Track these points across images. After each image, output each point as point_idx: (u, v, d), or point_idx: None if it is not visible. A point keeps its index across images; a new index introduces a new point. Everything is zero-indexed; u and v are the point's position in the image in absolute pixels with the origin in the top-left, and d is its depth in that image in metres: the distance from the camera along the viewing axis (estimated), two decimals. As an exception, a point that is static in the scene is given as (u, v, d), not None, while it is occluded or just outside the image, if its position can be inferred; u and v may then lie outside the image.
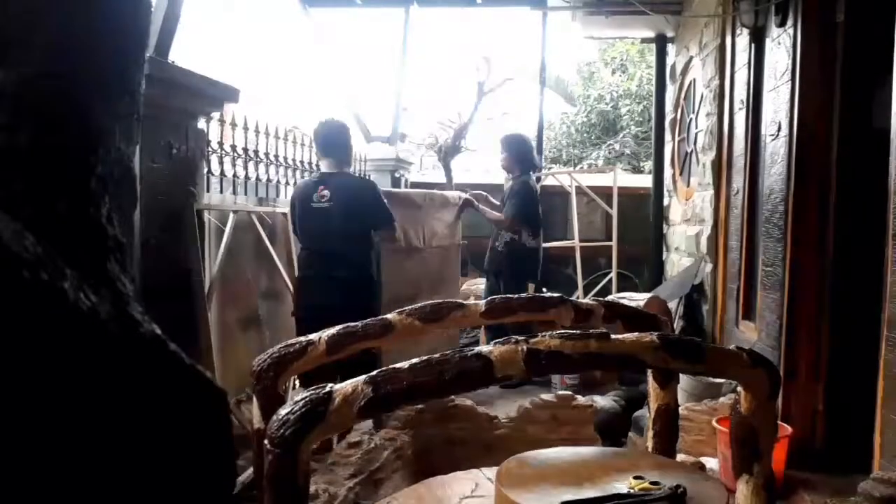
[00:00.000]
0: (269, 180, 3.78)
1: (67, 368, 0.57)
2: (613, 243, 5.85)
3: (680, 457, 2.48)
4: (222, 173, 3.30)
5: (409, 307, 1.96)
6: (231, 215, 3.07)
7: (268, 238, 3.71)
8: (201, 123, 2.88)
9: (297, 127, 4.71)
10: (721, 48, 4.03)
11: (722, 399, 3.10)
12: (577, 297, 3.94)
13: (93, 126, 0.74)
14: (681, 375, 2.53)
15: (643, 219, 6.14)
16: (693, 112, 4.97)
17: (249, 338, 3.49)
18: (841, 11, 2.74)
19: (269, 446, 1.16)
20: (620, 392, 3.92)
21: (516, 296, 2.02)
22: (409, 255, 4.14)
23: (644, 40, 6.46)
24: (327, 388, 1.22)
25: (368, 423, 2.89)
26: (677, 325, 4.41)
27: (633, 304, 3.77)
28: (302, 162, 4.22)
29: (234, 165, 3.42)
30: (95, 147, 0.73)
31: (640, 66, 12.16)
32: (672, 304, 4.45)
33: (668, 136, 5.76)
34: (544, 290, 4.87)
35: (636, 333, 1.41)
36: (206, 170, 3.02)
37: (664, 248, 5.77)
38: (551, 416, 3.06)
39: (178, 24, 2.62)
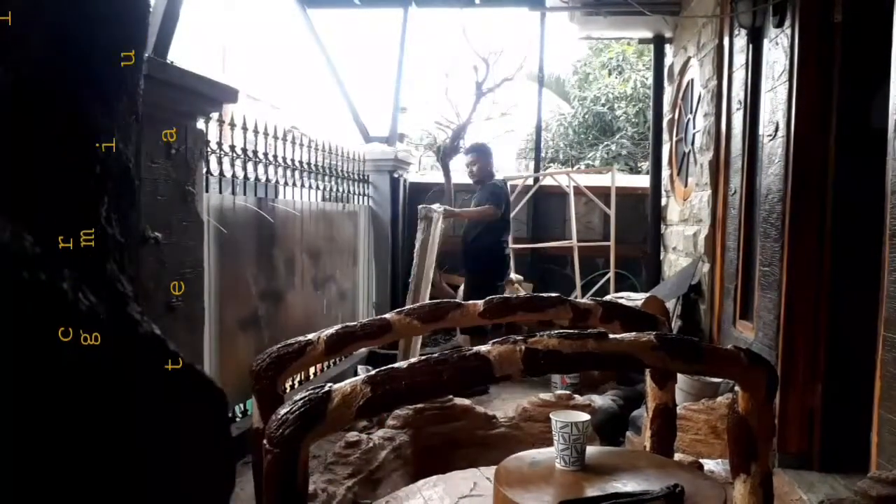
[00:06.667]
0: (268, 180, 3.78)
1: (66, 368, 0.57)
2: (611, 243, 5.86)
3: (677, 456, 2.49)
4: (221, 173, 3.30)
5: (408, 307, 1.97)
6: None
7: (270, 237, 3.71)
8: (200, 124, 2.88)
9: (295, 127, 4.72)
10: (719, 48, 4.04)
11: (719, 399, 3.11)
12: (576, 297, 3.94)
13: (91, 126, 0.74)
14: (678, 375, 2.54)
15: (641, 219, 6.15)
16: (691, 112, 4.97)
17: (249, 338, 3.49)
18: (839, 12, 2.75)
19: (268, 446, 1.17)
20: (618, 391, 3.92)
21: (514, 295, 2.02)
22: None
23: (642, 41, 6.45)
24: (326, 388, 1.22)
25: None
26: (675, 324, 4.42)
27: (630, 303, 3.77)
28: (301, 162, 4.22)
29: (232, 166, 3.42)
30: (94, 147, 0.73)
31: (635, 67, 12.17)
32: (670, 304, 4.46)
33: (665, 137, 5.76)
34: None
35: (634, 333, 1.41)
36: (205, 170, 3.02)
37: (662, 248, 5.78)
38: (549, 415, 3.07)
39: (176, 24, 2.62)
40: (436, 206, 4.73)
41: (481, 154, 5.00)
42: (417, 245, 4.57)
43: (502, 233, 4.89)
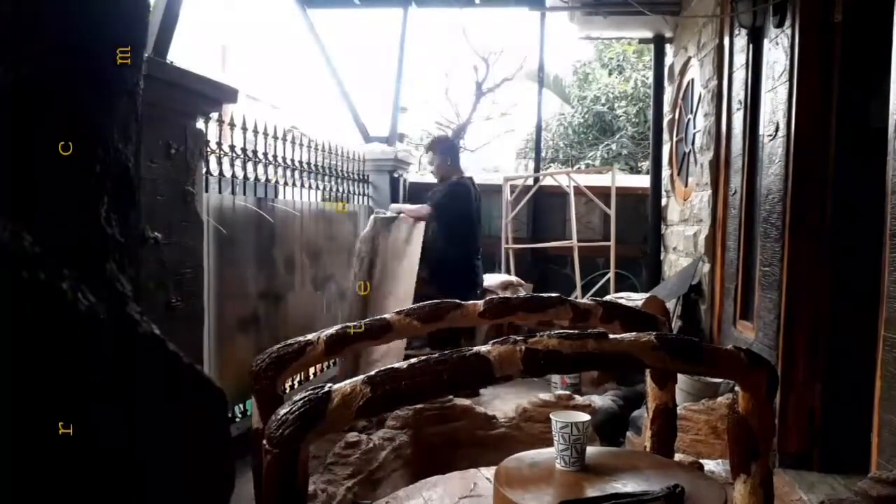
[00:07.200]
0: (268, 180, 3.78)
1: (66, 367, 0.57)
2: (612, 243, 5.86)
3: (677, 456, 2.49)
4: (221, 173, 3.30)
5: (408, 307, 1.96)
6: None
7: (270, 237, 3.71)
8: (200, 123, 2.88)
9: (295, 127, 4.72)
10: (719, 48, 4.04)
11: (720, 399, 3.11)
12: (576, 297, 3.94)
13: (91, 126, 0.74)
14: (679, 375, 2.53)
15: (641, 219, 6.15)
16: (691, 112, 4.97)
17: (249, 338, 3.49)
18: (839, 12, 2.75)
19: (268, 446, 1.17)
20: (618, 391, 3.92)
21: (514, 295, 2.02)
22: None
23: (642, 41, 6.46)
24: (326, 388, 1.22)
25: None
26: (675, 324, 4.42)
27: (631, 303, 3.77)
28: (300, 162, 4.22)
29: (232, 166, 3.42)
30: (94, 147, 0.73)
31: (636, 67, 12.18)
32: (670, 304, 4.46)
33: (665, 137, 5.76)
34: None
35: (634, 333, 1.41)
36: (205, 170, 3.02)
37: (662, 248, 5.78)
38: (549, 415, 3.07)
39: (176, 24, 2.62)
40: (392, 207, 4.66)
41: (437, 150, 4.68)
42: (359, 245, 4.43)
43: (467, 244, 4.45)
